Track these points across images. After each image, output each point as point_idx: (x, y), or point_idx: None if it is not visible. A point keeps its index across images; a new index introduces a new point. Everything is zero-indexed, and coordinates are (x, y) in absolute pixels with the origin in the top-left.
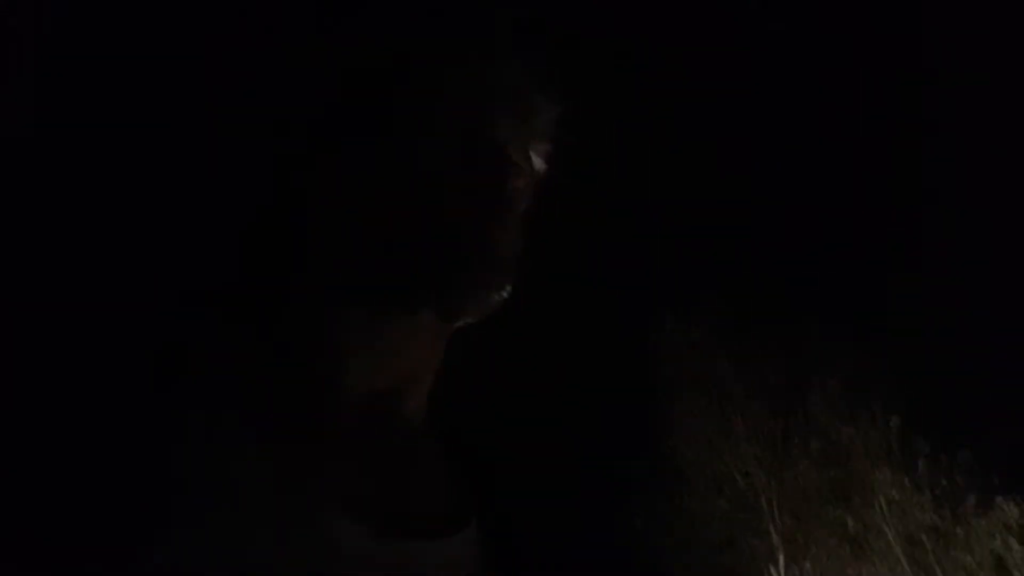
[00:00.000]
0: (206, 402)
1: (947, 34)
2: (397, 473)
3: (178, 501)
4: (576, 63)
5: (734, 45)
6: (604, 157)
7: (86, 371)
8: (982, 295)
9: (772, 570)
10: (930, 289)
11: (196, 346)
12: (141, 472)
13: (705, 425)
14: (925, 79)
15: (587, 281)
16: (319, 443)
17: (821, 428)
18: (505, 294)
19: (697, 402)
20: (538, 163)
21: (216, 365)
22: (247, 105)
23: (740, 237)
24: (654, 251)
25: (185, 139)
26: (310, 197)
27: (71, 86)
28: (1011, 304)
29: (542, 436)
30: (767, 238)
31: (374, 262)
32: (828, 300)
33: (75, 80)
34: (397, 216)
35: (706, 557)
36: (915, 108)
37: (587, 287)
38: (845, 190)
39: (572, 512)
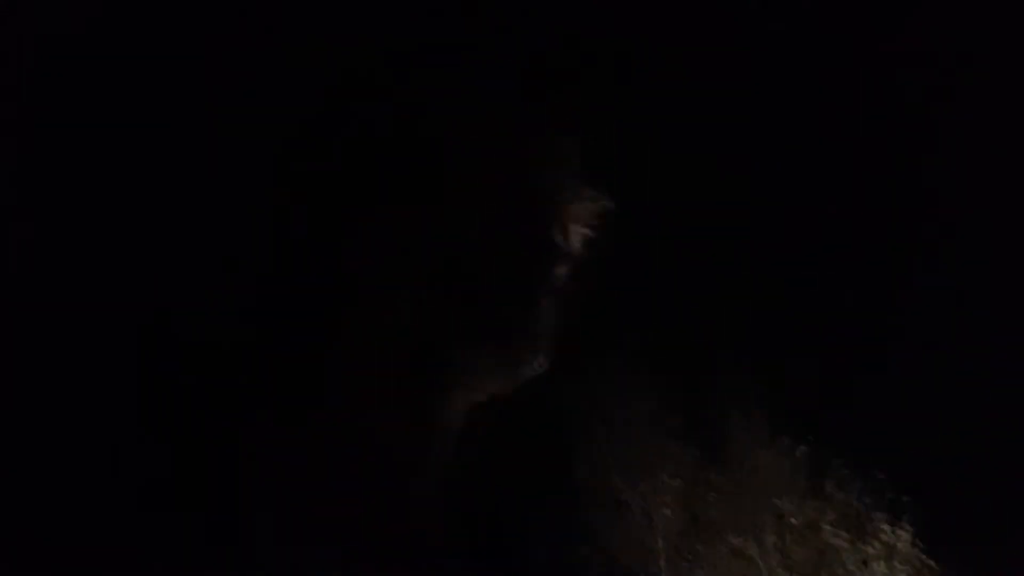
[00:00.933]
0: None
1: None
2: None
3: None
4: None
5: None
6: None
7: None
8: (899, 322)
9: None
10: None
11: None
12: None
13: (615, 452)
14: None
15: None
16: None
17: (736, 457)
18: (539, 369)
19: (607, 431)
20: (576, 246)
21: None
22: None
23: (660, 274)
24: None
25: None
26: (352, 265)
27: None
28: (928, 330)
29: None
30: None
31: (413, 339)
32: (738, 332)
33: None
34: (436, 288)
35: None
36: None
37: None
38: (758, 219)
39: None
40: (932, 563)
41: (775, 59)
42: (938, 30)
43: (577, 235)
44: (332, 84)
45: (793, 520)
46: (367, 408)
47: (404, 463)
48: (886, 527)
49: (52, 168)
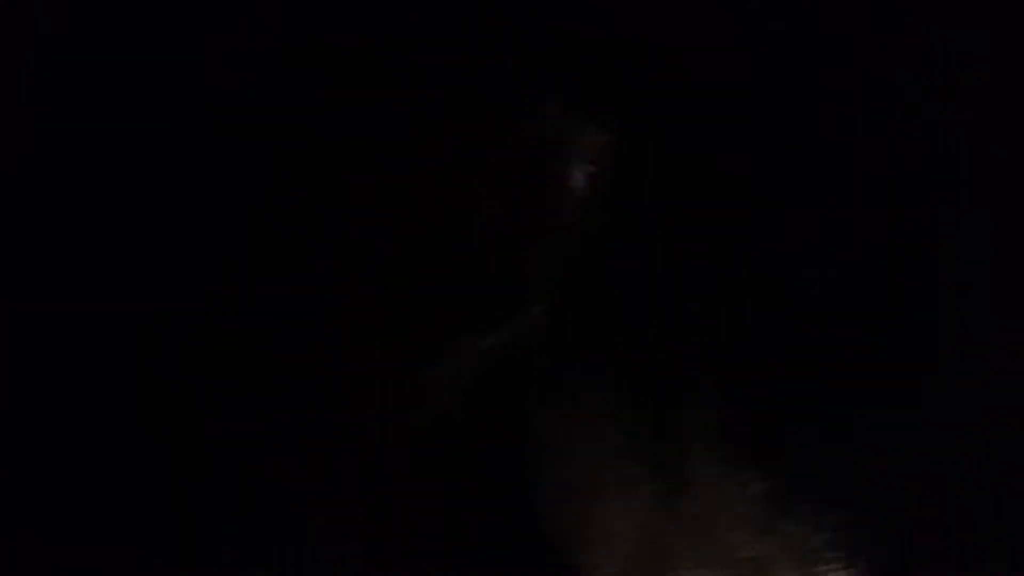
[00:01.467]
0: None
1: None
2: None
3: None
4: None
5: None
6: None
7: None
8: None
9: None
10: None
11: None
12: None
13: (577, 480)
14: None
15: None
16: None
17: (697, 490)
18: (536, 313)
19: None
20: (578, 182)
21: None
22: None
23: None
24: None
25: (200, 147)
26: (339, 200)
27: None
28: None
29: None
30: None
31: (404, 273)
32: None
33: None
34: (428, 224)
35: None
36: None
37: None
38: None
39: None
40: None
41: (775, 59)
42: (938, 30)
43: (580, 170)
44: (331, 84)
45: (747, 555)
46: (362, 377)
47: (402, 453)
48: (840, 567)
49: (52, 168)
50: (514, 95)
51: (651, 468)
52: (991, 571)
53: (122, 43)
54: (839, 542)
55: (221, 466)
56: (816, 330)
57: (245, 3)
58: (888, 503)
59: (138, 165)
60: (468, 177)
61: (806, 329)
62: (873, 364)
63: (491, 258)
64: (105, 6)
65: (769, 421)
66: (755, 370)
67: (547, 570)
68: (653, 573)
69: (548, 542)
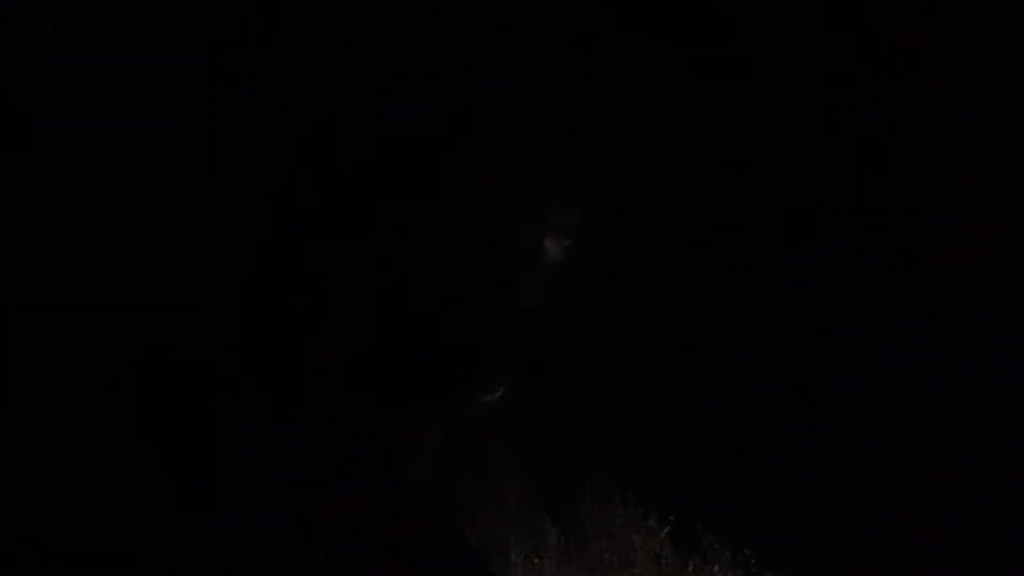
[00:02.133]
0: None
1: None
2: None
3: None
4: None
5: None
6: None
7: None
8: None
9: None
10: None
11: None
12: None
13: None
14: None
15: None
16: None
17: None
18: (498, 394)
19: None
20: (553, 255)
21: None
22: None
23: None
24: None
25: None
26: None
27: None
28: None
29: None
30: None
31: (377, 341)
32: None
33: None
34: (400, 289)
35: None
36: None
37: None
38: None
39: None
40: None
41: (775, 59)
42: (939, 30)
43: (556, 245)
44: (331, 86)
45: None
46: (350, 409)
47: (394, 460)
48: None
49: (51, 168)
50: (493, 163)
51: (562, 517)
52: None
53: (122, 43)
54: None
55: (221, 468)
56: (718, 378)
57: (244, 4)
58: (801, 540)
59: (135, 175)
60: (442, 244)
61: (705, 379)
62: (778, 405)
63: (463, 328)
64: (108, 8)
65: (679, 468)
66: (665, 418)
67: None
68: None
69: None
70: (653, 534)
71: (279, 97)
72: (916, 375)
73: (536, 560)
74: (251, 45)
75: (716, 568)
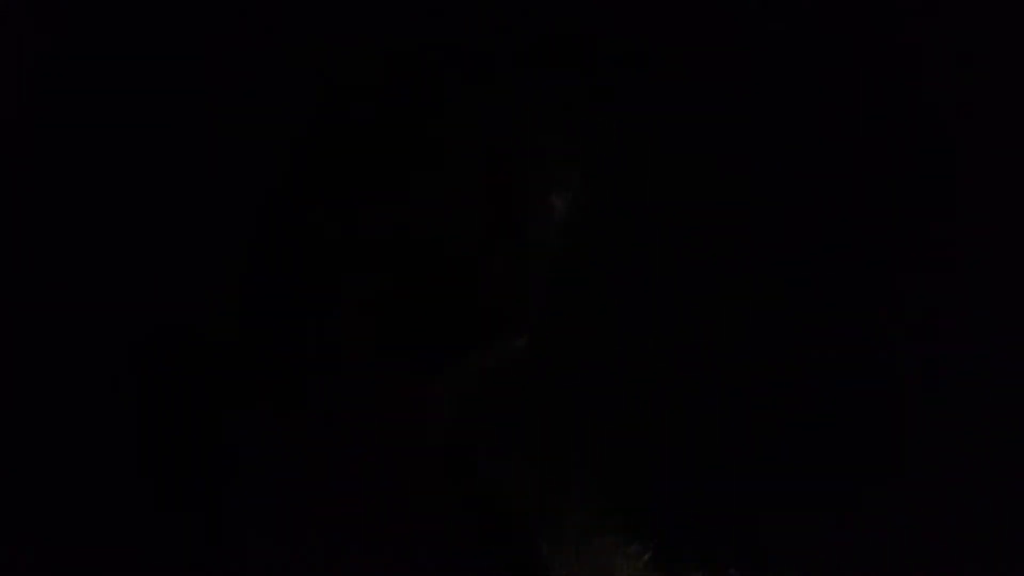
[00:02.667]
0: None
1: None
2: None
3: None
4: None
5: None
6: None
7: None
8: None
9: None
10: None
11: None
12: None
13: None
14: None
15: None
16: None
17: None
18: (520, 344)
19: None
20: (558, 205)
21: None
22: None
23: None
24: None
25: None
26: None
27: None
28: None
29: None
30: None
31: (399, 290)
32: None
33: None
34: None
35: None
36: None
37: None
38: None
39: None
40: None
41: (775, 59)
42: (939, 30)
43: (561, 197)
44: (330, 86)
45: None
46: (360, 392)
47: (402, 456)
48: None
49: (51, 169)
50: (501, 118)
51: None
52: None
53: (120, 42)
54: None
55: (222, 469)
56: (699, 398)
57: (244, 3)
58: (782, 557)
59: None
60: (456, 196)
61: (690, 399)
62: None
63: (482, 276)
64: (105, 6)
65: (651, 488)
66: (640, 435)
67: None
68: None
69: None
70: (634, 559)
71: (276, 81)
72: (916, 375)
73: None
74: (258, 30)
75: None
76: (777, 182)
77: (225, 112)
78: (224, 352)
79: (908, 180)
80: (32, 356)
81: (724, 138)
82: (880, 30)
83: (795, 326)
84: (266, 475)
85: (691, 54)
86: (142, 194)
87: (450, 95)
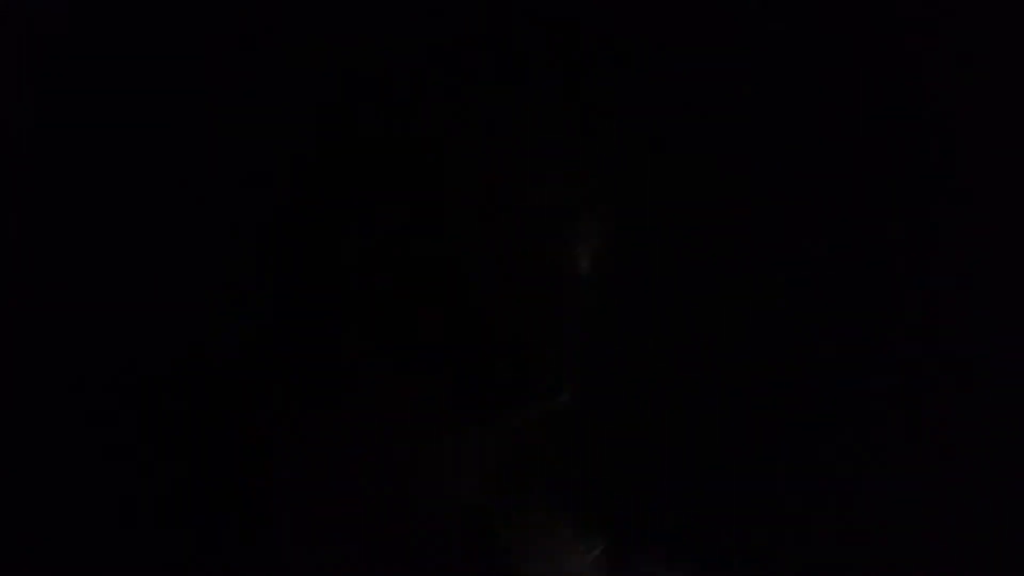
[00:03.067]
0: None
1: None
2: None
3: None
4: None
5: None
6: None
7: None
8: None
9: None
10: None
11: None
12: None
13: None
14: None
15: None
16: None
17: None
18: (562, 399)
19: None
20: (584, 266)
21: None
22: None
23: None
24: None
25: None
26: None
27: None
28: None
29: None
30: None
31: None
32: None
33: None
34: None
35: None
36: None
37: None
38: None
39: None
40: None
41: (775, 59)
42: (939, 30)
43: (586, 255)
44: (332, 86)
45: None
46: (379, 410)
47: (418, 465)
48: None
49: (52, 169)
50: (522, 169)
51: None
52: None
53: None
54: None
55: (225, 470)
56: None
57: (244, 3)
58: (738, 554)
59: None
60: (479, 248)
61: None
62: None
63: (519, 329)
64: (106, 5)
65: (610, 481)
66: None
67: None
68: None
69: None
70: (587, 555)
71: (287, 94)
72: (916, 375)
73: None
74: (258, 30)
75: None
76: (777, 182)
77: (226, 114)
78: (241, 355)
79: (908, 180)
80: (35, 359)
81: (724, 137)
82: (880, 30)
83: (795, 326)
84: (288, 477)
85: (691, 54)
86: (143, 195)
87: (468, 115)
